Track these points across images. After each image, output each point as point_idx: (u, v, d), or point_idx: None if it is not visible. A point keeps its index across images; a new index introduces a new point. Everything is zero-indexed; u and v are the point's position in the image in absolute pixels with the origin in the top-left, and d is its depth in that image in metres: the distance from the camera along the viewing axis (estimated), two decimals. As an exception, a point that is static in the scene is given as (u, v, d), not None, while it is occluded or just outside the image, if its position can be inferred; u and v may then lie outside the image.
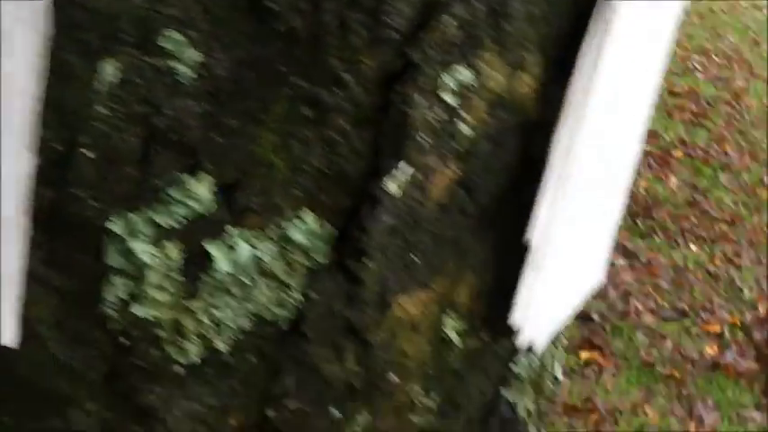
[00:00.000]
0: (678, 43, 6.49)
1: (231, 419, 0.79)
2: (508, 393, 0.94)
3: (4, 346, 0.75)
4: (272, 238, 0.76)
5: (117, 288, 0.74)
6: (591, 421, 3.20)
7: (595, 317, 3.80)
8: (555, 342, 0.99)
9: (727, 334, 3.81)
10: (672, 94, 6.37)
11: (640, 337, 3.72)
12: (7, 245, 0.72)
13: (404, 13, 0.74)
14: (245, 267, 0.75)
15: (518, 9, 0.79)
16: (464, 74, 0.78)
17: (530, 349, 0.92)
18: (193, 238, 0.75)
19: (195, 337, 0.76)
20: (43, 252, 0.75)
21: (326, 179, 0.75)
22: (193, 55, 0.71)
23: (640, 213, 4.77)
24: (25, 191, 0.72)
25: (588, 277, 0.98)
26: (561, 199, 0.85)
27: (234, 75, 0.72)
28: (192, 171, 0.73)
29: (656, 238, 4.56)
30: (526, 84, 0.83)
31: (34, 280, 0.75)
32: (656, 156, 5.52)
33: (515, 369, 0.94)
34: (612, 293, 4.01)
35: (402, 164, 0.77)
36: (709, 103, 6.37)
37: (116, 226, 0.73)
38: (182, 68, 0.71)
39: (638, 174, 5.23)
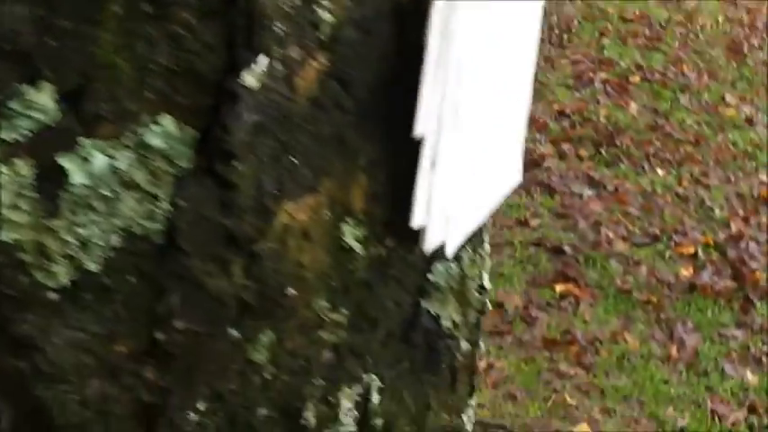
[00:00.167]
0: (627, -32, 6.41)
1: (119, 346, 0.76)
2: (429, 305, 0.90)
3: None
4: (128, 146, 0.73)
5: (-32, 211, 0.71)
6: (571, 353, 3.14)
7: (567, 249, 3.73)
8: (476, 248, 0.94)
9: (701, 254, 3.76)
10: (623, 20, 6.30)
11: (614, 265, 3.66)
12: None
13: None
14: (103, 179, 0.72)
15: None
16: (314, -44, 0.75)
17: (443, 256, 0.88)
18: (44, 152, 0.72)
19: (62, 259, 0.73)
20: None
21: (179, 78, 0.73)
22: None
23: (603, 142, 4.70)
24: None
25: (500, 176, 0.94)
26: (445, 85, 0.81)
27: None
28: (32, 81, 0.71)
29: (621, 165, 4.50)
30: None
31: None
32: (613, 83, 5.44)
33: (433, 278, 0.90)
34: (582, 224, 3.94)
35: (260, 57, 0.74)
36: (662, 26, 6.30)
37: (-43, 147, 0.70)
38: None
39: (597, 102, 5.16)
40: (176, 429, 0.78)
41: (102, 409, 0.76)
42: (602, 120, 4.95)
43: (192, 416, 0.78)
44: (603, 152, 4.60)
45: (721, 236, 3.92)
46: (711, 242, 3.86)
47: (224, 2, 0.73)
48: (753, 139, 4.90)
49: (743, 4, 6.56)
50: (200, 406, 0.78)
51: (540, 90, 5.27)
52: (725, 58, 6.03)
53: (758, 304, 3.45)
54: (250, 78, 0.74)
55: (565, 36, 6.04)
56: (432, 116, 0.80)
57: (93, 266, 0.74)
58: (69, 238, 0.73)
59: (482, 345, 0.97)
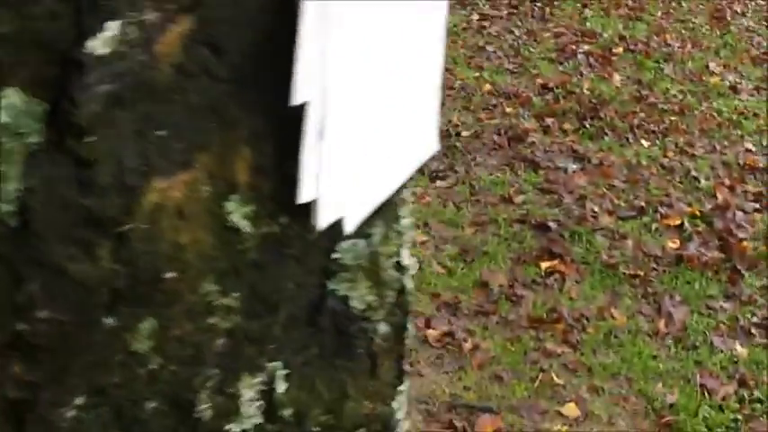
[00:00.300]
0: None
1: (-22, 340, 0.70)
2: (336, 285, 0.83)
3: None
4: (-32, 122, 0.67)
5: None
6: (558, 331, 3.09)
7: (552, 225, 3.68)
8: (389, 223, 0.88)
9: (687, 226, 3.71)
10: (606, -10, 6.23)
11: (600, 239, 3.60)
12: None
13: None
14: (-58, 159, 0.66)
15: None
16: None
17: (345, 232, 0.82)
18: None
19: None
20: None
21: (24, 47, 0.66)
22: None
23: (587, 115, 4.64)
24: None
25: (412, 147, 0.88)
26: (326, 50, 0.74)
27: None
28: None
29: (605, 138, 4.44)
30: None
31: None
32: (596, 55, 5.38)
33: (339, 257, 0.83)
34: (567, 199, 3.89)
35: (109, 22, 0.67)
36: (644, -5, 6.24)
37: None
38: None
39: (581, 75, 5.10)
40: (49, 426, 0.72)
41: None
42: (586, 92, 4.89)
43: (68, 411, 0.72)
44: (588, 125, 4.54)
45: (708, 206, 3.87)
46: (698, 213, 3.81)
47: None
48: (738, 106, 4.85)
49: (726, -29, 6.50)
50: (78, 400, 0.72)
51: (523, 64, 5.21)
52: (708, 25, 5.97)
53: (746, 275, 3.41)
54: (99, 45, 0.67)
55: (547, 9, 5.97)
56: (312, 82, 0.74)
57: (-59, 255, 0.67)
58: None
59: (410, 327, 0.91)
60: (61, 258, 0.70)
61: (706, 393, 2.83)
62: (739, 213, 3.80)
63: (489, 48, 5.37)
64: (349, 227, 0.80)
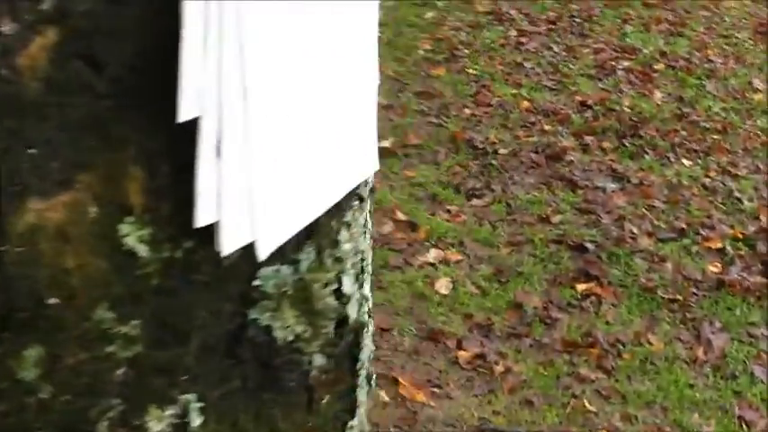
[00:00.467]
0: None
1: None
2: (258, 315, 0.77)
3: None
4: None
5: None
6: (592, 356, 3.01)
7: (589, 246, 3.60)
8: (323, 248, 0.82)
9: (729, 249, 3.61)
10: (646, 5, 6.13)
11: (638, 262, 3.52)
12: None
13: None
14: None
15: None
16: None
17: (274, 258, 0.76)
18: None
19: None
20: None
21: None
22: None
23: (626, 133, 4.55)
24: None
25: (344, 168, 0.82)
26: (225, 58, 0.68)
27: None
28: None
29: (645, 157, 4.36)
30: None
31: None
32: (636, 71, 5.29)
33: (260, 285, 0.77)
34: (605, 220, 3.80)
35: None
36: (686, 11, 6.13)
37: None
38: None
39: (621, 92, 5.02)
40: None
41: None
42: (626, 110, 4.80)
43: None
44: (627, 144, 4.46)
45: (751, 229, 3.77)
46: (740, 236, 3.71)
47: None
48: (782, 125, 4.74)
49: (771, -14, 6.38)
50: None
51: (562, 81, 5.14)
52: (752, 40, 5.86)
53: (789, 301, 3.31)
54: None
55: (586, 25, 5.89)
56: (203, 97, 0.68)
57: None
58: None
59: (363, 358, 0.85)
60: None
61: (744, 426, 2.74)
62: (783, 237, 3.70)
63: (527, 64, 5.30)
64: (262, 253, 0.75)
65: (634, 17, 6.02)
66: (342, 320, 0.82)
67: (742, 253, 3.61)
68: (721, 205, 3.98)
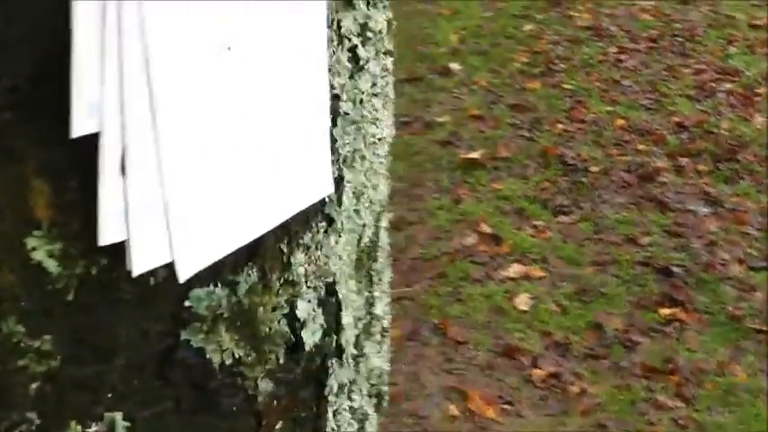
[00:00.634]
0: (759, -27, 6.08)
1: None
2: (190, 336, 0.75)
3: None
4: None
5: None
6: (672, 383, 2.93)
7: (676, 270, 3.51)
8: (269, 272, 0.79)
9: (824, 281, 3.49)
10: (752, 27, 5.97)
11: (727, 289, 3.42)
12: None
13: None
14: None
15: None
16: None
17: (207, 279, 0.74)
18: None
19: None
20: None
21: None
22: None
23: (723, 157, 4.44)
24: None
25: (286, 187, 0.78)
26: (128, 67, 0.64)
27: None
28: None
29: (741, 182, 4.24)
30: None
31: None
32: (737, 94, 5.15)
33: (192, 305, 0.75)
34: (695, 244, 3.71)
35: None
36: (795, 34, 5.95)
37: None
38: None
39: (720, 114, 4.89)
40: None
41: None
42: (724, 133, 4.68)
43: None
44: (723, 167, 4.35)
45: None
46: (837, 268, 3.58)
47: None
48: None
49: None
50: None
51: (660, 101, 5.04)
52: None
53: None
54: None
55: (688, 44, 5.76)
56: (101, 110, 0.65)
57: None
58: None
59: (332, 383, 0.83)
60: None
61: (828, 465, 2.64)
62: None
63: (625, 82, 5.21)
64: (183, 274, 0.72)
65: (739, 38, 5.86)
66: (295, 347, 0.80)
67: (837, 286, 3.48)
68: (819, 236, 3.85)
